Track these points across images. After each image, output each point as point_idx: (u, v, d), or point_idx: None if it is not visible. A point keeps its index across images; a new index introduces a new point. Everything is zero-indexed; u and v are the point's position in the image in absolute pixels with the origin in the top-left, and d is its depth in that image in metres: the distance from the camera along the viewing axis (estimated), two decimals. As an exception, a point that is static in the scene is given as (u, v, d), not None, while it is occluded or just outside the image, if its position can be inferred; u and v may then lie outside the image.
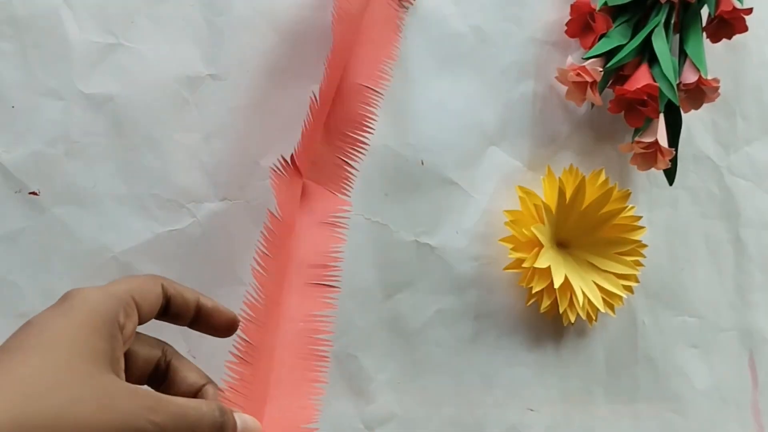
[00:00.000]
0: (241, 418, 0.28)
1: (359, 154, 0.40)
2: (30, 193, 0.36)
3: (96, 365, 0.23)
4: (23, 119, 0.36)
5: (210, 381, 0.30)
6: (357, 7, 0.40)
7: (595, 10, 0.43)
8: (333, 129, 0.39)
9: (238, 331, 0.31)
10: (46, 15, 0.37)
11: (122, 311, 0.26)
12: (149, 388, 0.25)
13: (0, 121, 0.36)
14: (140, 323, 0.28)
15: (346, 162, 0.40)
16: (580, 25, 0.45)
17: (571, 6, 0.45)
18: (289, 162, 0.37)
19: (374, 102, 0.41)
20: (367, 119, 0.40)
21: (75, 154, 0.37)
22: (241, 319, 0.32)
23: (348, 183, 0.40)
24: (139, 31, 0.38)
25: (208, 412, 0.26)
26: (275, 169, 0.36)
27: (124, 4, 0.38)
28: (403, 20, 0.43)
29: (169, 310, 0.30)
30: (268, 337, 0.33)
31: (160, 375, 0.29)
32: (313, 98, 0.37)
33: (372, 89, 0.41)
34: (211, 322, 0.31)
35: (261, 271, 0.34)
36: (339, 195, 0.39)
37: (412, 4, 0.43)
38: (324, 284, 0.37)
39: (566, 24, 0.45)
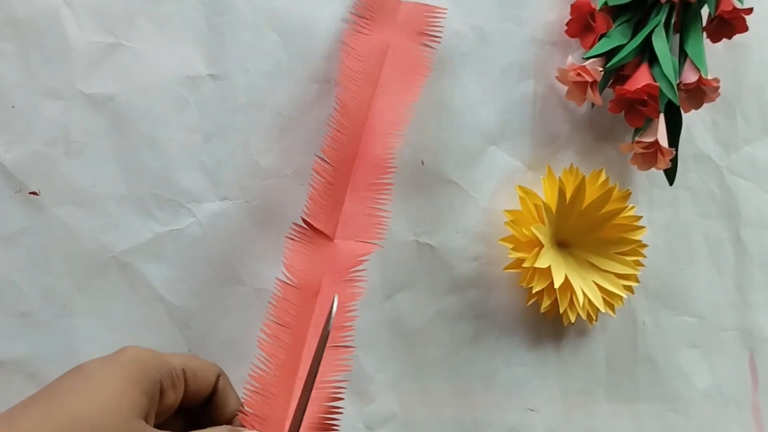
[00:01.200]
0: None
1: (388, 197, 0.39)
2: (30, 193, 0.36)
3: (132, 412, 0.25)
4: (23, 119, 0.36)
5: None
6: (370, 65, 0.40)
7: (595, 9, 0.43)
8: (358, 184, 0.38)
9: (243, 405, 0.32)
10: (46, 15, 0.37)
11: (168, 378, 0.28)
12: None
13: (0, 121, 0.36)
14: (183, 402, 0.29)
15: (377, 208, 0.38)
16: (581, 25, 0.45)
17: (571, 6, 0.44)
18: (307, 226, 0.37)
19: (396, 144, 0.39)
20: (390, 161, 0.39)
21: (75, 154, 0.37)
22: (245, 390, 0.33)
23: (380, 227, 0.38)
24: (139, 31, 0.38)
25: None
26: (291, 237, 0.36)
27: (124, 4, 0.38)
28: (430, 61, 0.41)
29: (207, 403, 0.31)
30: (279, 409, 0.33)
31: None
32: (321, 162, 0.38)
33: (395, 134, 0.40)
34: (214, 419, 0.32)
35: (270, 340, 0.34)
36: (372, 242, 0.38)
37: (438, 42, 0.42)
38: (340, 346, 0.35)
39: (566, 24, 0.45)
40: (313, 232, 0.37)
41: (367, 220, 0.38)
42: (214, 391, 0.31)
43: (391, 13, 0.42)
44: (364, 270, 0.37)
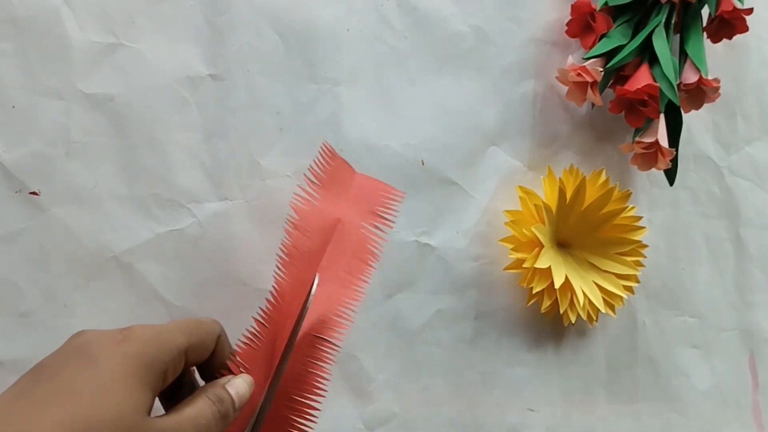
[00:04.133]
0: (233, 386, 0.30)
1: (311, 425, 0.33)
2: (30, 193, 0.36)
3: (142, 412, 0.25)
4: (23, 119, 0.36)
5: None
6: (315, 242, 0.34)
7: (595, 10, 0.43)
8: (278, 391, 0.32)
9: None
10: (46, 15, 0.37)
11: (172, 364, 0.28)
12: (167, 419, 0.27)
13: (0, 121, 0.36)
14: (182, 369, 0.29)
15: None
16: (581, 25, 0.45)
17: (572, 6, 0.45)
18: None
19: (329, 357, 0.33)
20: (320, 379, 0.33)
21: (75, 154, 0.37)
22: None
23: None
24: (139, 31, 0.38)
25: (211, 412, 0.28)
26: None
27: (124, 4, 0.38)
28: (380, 248, 0.37)
29: (205, 362, 0.31)
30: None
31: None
32: (235, 358, 0.31)
33: (328, 342, 0.33)
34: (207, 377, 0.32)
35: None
36: None
37: (391, 227, 0.38)
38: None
39: (566, 24, 0.45)
40: None
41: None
42: (213, 352, 0.31)
43: (345, 183, 0.37)
44: None
